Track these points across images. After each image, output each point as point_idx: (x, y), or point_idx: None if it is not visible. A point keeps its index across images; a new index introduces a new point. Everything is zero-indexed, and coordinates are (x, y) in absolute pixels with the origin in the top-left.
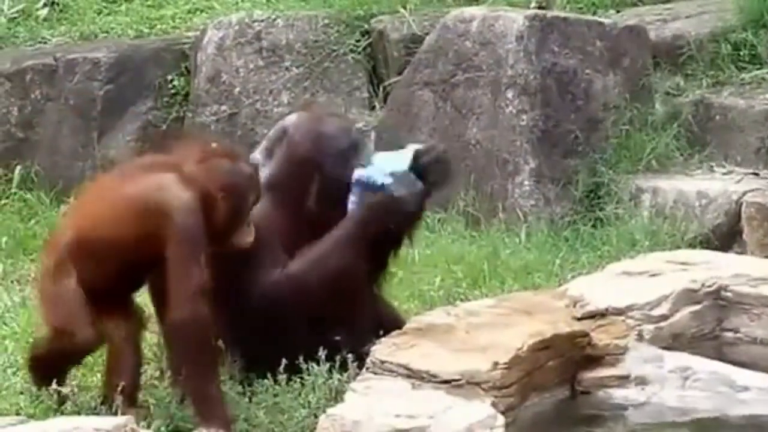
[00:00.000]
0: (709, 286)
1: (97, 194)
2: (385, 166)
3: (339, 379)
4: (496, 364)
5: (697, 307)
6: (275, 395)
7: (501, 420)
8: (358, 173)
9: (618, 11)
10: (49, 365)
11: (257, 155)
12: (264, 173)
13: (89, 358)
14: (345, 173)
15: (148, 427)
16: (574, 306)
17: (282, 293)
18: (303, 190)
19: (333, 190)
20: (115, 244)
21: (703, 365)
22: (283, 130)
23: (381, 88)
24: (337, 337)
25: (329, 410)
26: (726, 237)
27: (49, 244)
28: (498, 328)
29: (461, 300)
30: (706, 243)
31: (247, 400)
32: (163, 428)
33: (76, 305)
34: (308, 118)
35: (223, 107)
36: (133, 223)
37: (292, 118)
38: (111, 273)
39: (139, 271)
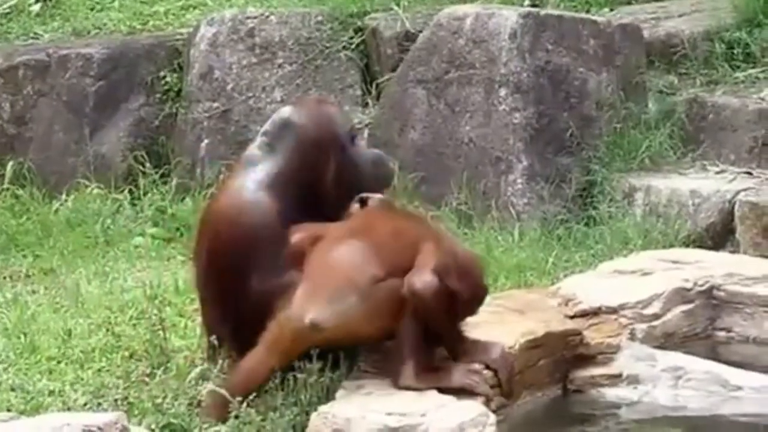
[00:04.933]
0: (702, 285)
1: None
2: None
3: (331, 377)
4: None
5: (689, 306)
6: (267, 392)
7: (493, 418)
8: None
9: (612, 9)
10: None
11: (255, 151)
12: (268, 168)
13: (81, 354)
14: (356, 152)
15: (140, 424)
16: (567, 304)
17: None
18: (319, 175)
19: (350, 170)
20: None
21: (695, 364)
22: (284, 120)
23: (374, 86)
24: None
25: (321, 408)
26: (719, 236)
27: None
28: (490, 326)
29: None
30: (699, 242)
31: (238, 397)
32: (153, 425)
33: None
34: (308, 105)
35: (216, 104)
36: None
37: (289, 109)
38: None
39: None
